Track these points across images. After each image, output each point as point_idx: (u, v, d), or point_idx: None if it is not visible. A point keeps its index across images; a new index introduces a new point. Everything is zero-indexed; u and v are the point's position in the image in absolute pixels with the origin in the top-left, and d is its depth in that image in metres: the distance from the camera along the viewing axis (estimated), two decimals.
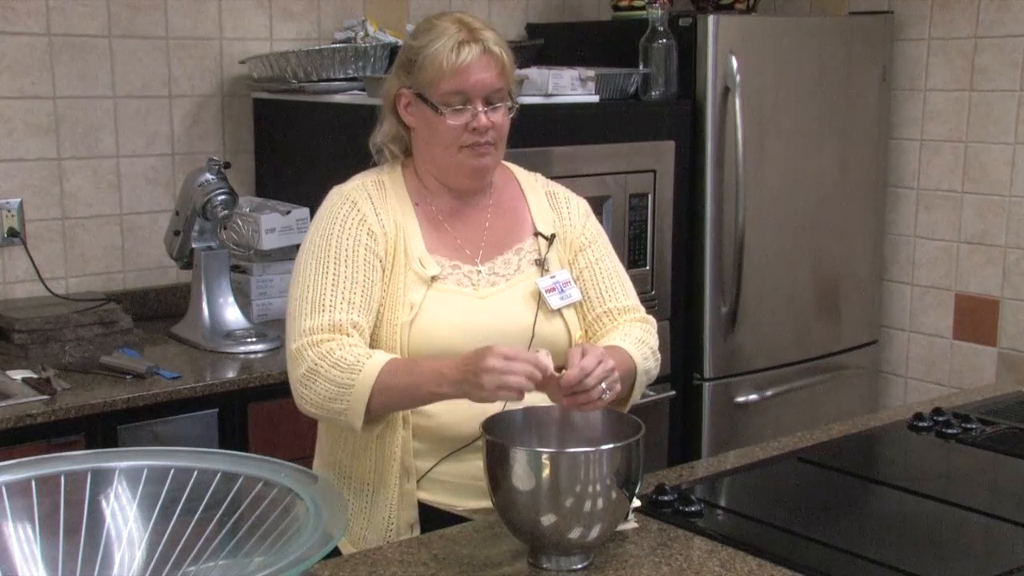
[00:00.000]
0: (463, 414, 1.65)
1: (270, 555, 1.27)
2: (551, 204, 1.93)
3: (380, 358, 1.67)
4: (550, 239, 1.87)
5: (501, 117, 1.78)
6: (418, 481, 1.77)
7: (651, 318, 1.91)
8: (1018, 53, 3.38)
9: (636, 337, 1.82)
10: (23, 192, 2.88)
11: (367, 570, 1.54)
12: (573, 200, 1.95)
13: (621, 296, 1.89)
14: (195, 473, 1.41)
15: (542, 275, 1.84)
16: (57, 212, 2.94)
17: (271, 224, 2.92)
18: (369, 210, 1.79)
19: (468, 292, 1.80)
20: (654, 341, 1.86)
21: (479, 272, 1.82)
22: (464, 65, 1.73)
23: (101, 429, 2.35)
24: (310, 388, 1.69)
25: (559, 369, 1.58)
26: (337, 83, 2.95)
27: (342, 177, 1.92)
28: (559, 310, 1.83)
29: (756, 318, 3.32)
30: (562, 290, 1.84)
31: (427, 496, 1.78)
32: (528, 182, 1.95)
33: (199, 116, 3.12)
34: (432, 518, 1.75)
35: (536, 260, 1.86)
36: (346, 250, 1.75)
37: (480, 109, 1.75)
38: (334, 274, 1.74)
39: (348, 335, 1.71)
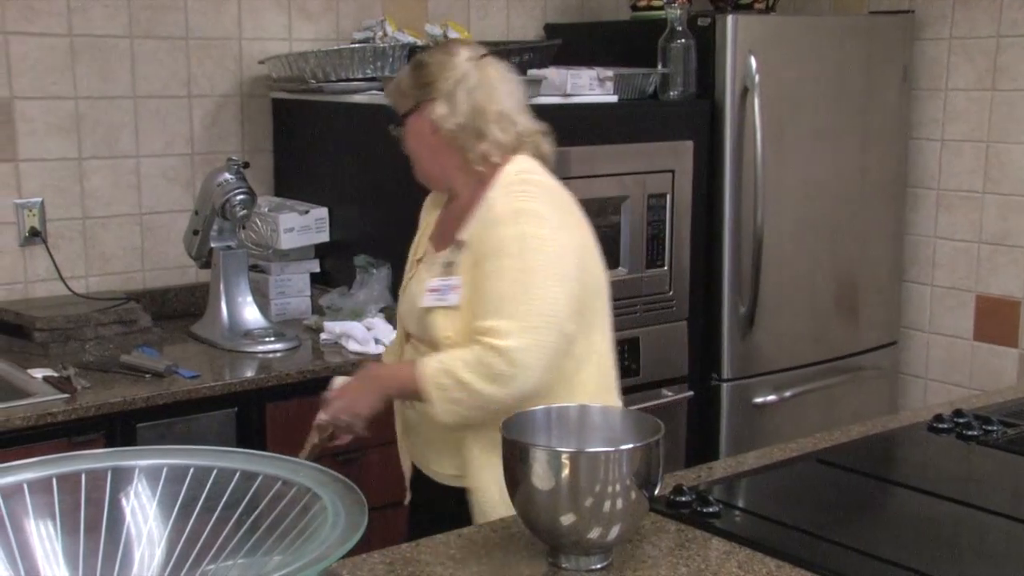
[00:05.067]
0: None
1: (289, 554, 1.27)
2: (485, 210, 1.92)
3: None
4: (459, 245, 1.91)
5: (398, 135, 2.02)
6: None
7: (497, 345, 1.78)
8: None
9: (439, 360, 1.83)
10: (44, 192, 2.90)
11: (385, 569, 1.54)
12: (495, 208, 1.88)
13: (489, 315, 1.81)
14: (214, 472, 1.42)
15: (444, 276, 1.92)
16: (78, 211, 2.96)
17: (290, 224, 2.92)
18: None
19: (410, 278, 2.05)
20: (464, 372, 1.79)
21: (422, 263, 2.03)
22: None
23: (121, 428, 2.37)
24: None
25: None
26: (356, 83, 2.95)
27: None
28: (434, 308, 1.91)
29: (774, 319, 3.31)
30: (443, 293, 1.90)
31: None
32: (497, 185, 1.91)
33: (218, 116, 3.14)
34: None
35: (447, 262, 1.93)
36: None
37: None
38: None
39: None
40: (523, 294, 1.79)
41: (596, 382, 1.94)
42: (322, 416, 1.99)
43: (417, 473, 2.08)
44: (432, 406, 1.83)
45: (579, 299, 1.86)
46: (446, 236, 1.98)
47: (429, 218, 2.09)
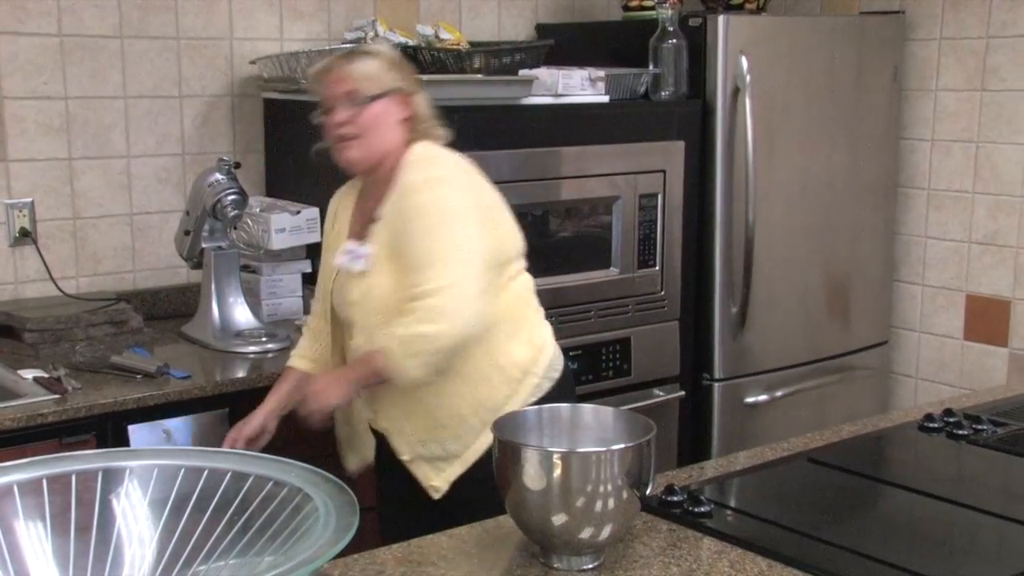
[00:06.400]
0: None
1: (280, 555, 1.27)
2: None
3: None
4: (376, 220, 2.11)
5: (344, 116, 2.10)
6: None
7: (429, 289, 1.98)
8: None
9: (386, 336, 2.02)
10: (35, 192, 2.89)
11: (376, 570, 1.54)
12: (407, 182, 2.08)
13: (419, 271, 2.01)
14: (205, 473, 1.42)
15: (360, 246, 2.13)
16: (68, 212, 2.95)
17: (281, 224, 2.92)
18: None
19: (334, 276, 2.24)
20: (402, 330, 1.99)
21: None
22: (311, 85, 2.21)
23: (112, 428, 2.36)
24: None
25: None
26: None
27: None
28: (361, 273, 2.11)
29: (766, 318, 3.31)
30: (355, 258, 2.13)
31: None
32: (406, 166, 2.10)
33: (209, 116, 3.13)
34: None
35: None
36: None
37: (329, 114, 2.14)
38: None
39: None
40: (441, 244, 2.00)
41: (510, 308, 2.13)
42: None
43: (381, 442, 2.23)
44: (402, 372, 2.00)
45: (492, 243, 2.06)
46: (366, 223, 2.16)
47: (343, 216, 2.25)
